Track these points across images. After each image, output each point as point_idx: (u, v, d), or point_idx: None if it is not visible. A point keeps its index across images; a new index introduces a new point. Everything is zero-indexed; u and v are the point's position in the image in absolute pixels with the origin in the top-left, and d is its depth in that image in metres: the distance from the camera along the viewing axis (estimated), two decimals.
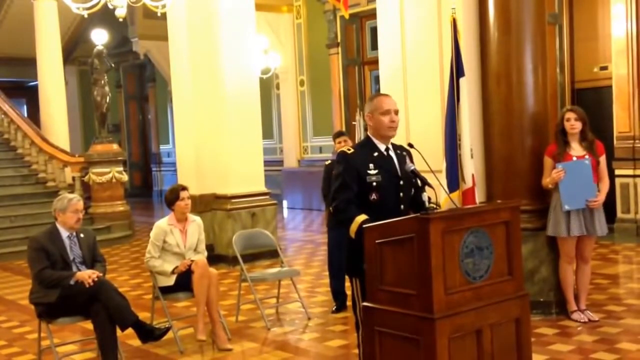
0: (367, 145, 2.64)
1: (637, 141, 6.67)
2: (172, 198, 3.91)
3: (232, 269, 5.91)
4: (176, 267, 3.79)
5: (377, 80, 9.36)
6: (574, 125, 3.82)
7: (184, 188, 3.96)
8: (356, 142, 6.13)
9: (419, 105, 4.63)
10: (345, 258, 2.70)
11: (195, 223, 3.97)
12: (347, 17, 7.49)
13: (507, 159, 4.03)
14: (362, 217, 2.49)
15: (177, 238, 3.88)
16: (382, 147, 2.63)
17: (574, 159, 3.83)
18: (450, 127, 3.98)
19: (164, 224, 3.90)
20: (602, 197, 3.84)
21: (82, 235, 3.59)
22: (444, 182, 3.83)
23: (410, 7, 4.65)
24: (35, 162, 8.96)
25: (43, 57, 9.54)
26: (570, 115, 3.85)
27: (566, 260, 3.92)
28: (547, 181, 3.88)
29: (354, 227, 2.49)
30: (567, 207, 3.79)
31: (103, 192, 8.42)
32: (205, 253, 4.02)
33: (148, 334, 3.52)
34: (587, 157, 3.82)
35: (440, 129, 4.26)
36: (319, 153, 10.70)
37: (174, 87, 6.93)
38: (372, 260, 2.32)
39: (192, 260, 3.82)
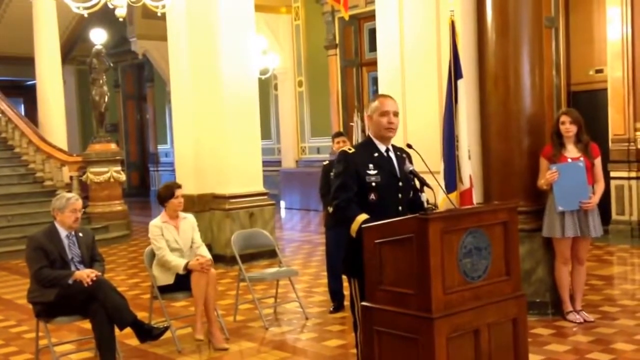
0: (367, 145, 2.66)
1: (631, 144, 6.73)
2: (166, 195, 3.92)
3: (230, 269, 5.92)
4: (188, 262, 3.77)
5: (375, 81, 9.41)
6: (569, 128, 3.86)
7: (179, 186, 3.97)
8: (353, 143, 6.16)
9: (417, 107, 4.67)
10: (343, 258, 2.72)
11: (187, 220, 3.99)
12: (347, 18, 7.53)
13: (504, 160, 4.06)
14: (363, 217, 2.51)
15: (173, 234, 3.90)
16: (383, 148, 2.65)
17: (569, 160, 3.86)
18: (448, 128, 4.01)
19: (158, 222, 3.92)
20: (596, 198, 3.87)
21: (80, 234, 3.60)
22: (442, 183, 3.85)
23: (408, 9, 4.69)
24: (33, 162, 8.94)
25: (41, 56, 9.53)
26: (565, 118, 3.88)
27: (561, 261, 3.95)
28: (541, 182, 3.92)
29: (354, 226, 2.50)
30: (560, 208, 3.82)
31: (101, 191, 8.41)
32: (204, 246, 4.02)
33: (146, 333, 3.52)
34: (581, 159, 3.85)
35: (438, 130, 4.29)
36: (317, 154, 10.72)
37: (173, 87, 6.94)
38: (372, 260, 2.34)
39: (201, 257, 3.81)
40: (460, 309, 2.23)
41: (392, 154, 2.67)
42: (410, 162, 2.68)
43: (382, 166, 2.61)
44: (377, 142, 2.65)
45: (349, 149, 2.66)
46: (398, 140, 2.94)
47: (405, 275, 2.24)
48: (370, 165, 2.59)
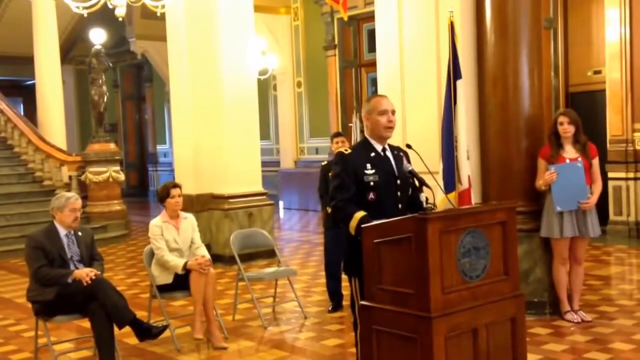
0: (364, 145, 2.68)
1: (629, 144, 6.75)
2: (163, 195, 3.94)
3: (229, 269, 5.93)
4: (186, 263, 3.78)
5: (373, 82, 9.42)
6: (566, 129, 3.87)
7: (176, 185, 3.98)
8: (352, 143, 6.17)
9: (416, 107, 4.68)
10: (344, 257, 2.73)
11: (188, 220, 4.00)
12: (345, 18, 7.54)
13: (503, 160, 4.08)
14: (361, 214, 2.51)
15: (173, 234, 3.91)
16: (379, 148, 2.67)
17: (567, 161, 3.88)
18: (447, 128, 4.03)
19: (158, 222, 3.93)
20: (594, 199, 3.89)
21: (80, 233, 3.60)
22: (441, 183, 3.87)
23: (408, 10, 4.70)
24: (32, 161, 8.94)
25: (41, 55, 9.53)
26: (563, 119, 3.89)
27: (559, 261, 3.97)
28: (540, 183, 3.93)
29: (353, 223, 2.51)
30: (559, 209, 3.84)
31: (100, 191, 8.42)
32: (204, 247, 4.03)
33: (145, 332, 3.53)
34: (579, 159, 3.87)
35: (437, 130, 4.30)
36: (316, 154, 10.74)
37: (172, 87, 6.95)
38: (370, 260, 2.35)
39: (200, 257, 3.81)
40: (459, 309, 2.24)
41: (389, 153, 2.68)
42: (408, 160, 2.70)
43: (379, 165, 2.62)
44: (373, 142, 2.66)
45: (346, 150, 2.67)
46: (397, 141, 2.95)
47: (404, 274, 2.25)
48: (368, 165, 2.60)
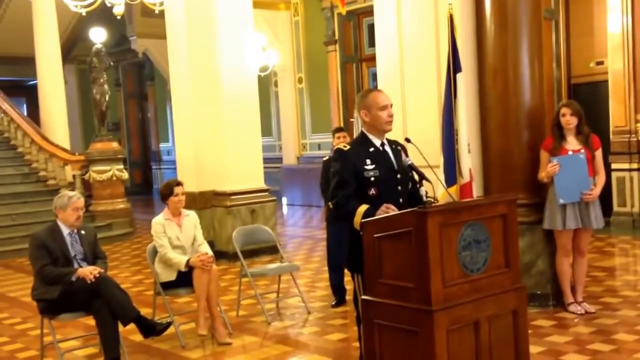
0: (362, 141, 2.67)
1: (632, 135, 6.72)
2: (166, 193, 3.95)
3: (233, 265, 5.95)
4: (189, 260, 3.80)
5: (374, 77, 9.40)
6: (569, 120, 3.86)
7: (179, 183, 3.99)
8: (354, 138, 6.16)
9: (417, 101, 4.67)
10: (346, 254, 2.73)
11: (190, 217, 4.01)
12: (344, 13, 7.53)
13: (504, 153, 4.07)
14: (364, 207, 2.51)
15: (175, 231, 3.93)
16: (378, 143, 2.66)
17: (570, 152, 3.86)
18: (448, 122, 4.02)
19: (160, 219, 3.95)
20: (597, 190, 3.87)
21: (83, 232, 3.63)
22: (442, 176, 3.86)
23: (407, 4, 4.69)
24: (36, 161, 8.99)
25: (42, 55, 9.55)
26: (566, 110, 3.88)
27: (563, 253, 3.96)
28: (542, 175, 3.92)
29: (357, 218, 2.50)
30: (562, 201, 3.83)
31: (103, 189, 8.46)
32: (206, 243, 4.05)
33: (150, 329, 3.56)
34: (582, 151, 3.86)
35: (438, 124, 4.30)
36: (318, 150, 10.74)
37: (172, 85, 6.96)
38: (371, 254, 2.36)
39: (203, 254, 3.83)
40: (460, 302, 2.24)
41: (387, 148, 2.68)
42: (406, 154, 2.69)
43: (379, 160, 2.62)
44: (371, 137, 2.65)
45: (344, 146, 2.66)
46: (397, 135, 2.94)
47: (404, 268, 2.26)
48: (368, 161, 2.60)
